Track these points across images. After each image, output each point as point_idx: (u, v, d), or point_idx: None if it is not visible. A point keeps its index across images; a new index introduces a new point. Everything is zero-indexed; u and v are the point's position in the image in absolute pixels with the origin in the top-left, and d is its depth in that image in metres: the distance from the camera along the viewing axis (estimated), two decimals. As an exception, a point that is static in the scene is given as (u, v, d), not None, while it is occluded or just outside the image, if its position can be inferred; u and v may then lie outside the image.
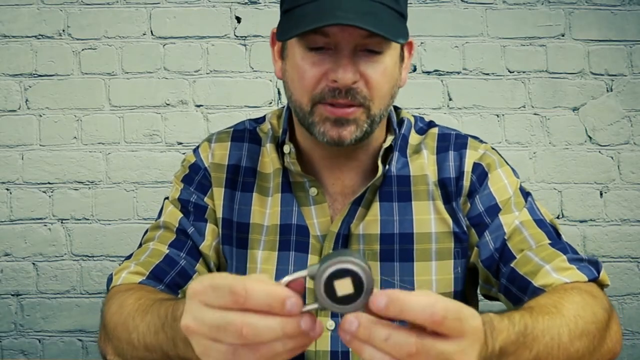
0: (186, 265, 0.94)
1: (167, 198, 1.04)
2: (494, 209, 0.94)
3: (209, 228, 0.99)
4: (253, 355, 0.51)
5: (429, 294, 0.51)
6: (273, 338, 0.50)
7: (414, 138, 1.02)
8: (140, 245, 0.99)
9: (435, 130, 1.03)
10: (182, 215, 0.98)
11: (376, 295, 0.50)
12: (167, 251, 0.95)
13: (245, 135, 1.04)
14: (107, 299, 0.87)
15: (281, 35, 0.89)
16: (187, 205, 0.99)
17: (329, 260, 0.51)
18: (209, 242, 0.98)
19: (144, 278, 0.90)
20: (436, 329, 0.50)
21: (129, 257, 0.96)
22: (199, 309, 0.52)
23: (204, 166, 1.02)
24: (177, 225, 0.98)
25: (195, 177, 1.02)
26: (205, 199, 1.00)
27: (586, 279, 0.84)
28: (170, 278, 0.92)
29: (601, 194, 1.88)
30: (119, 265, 0.95)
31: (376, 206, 0.96)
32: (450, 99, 1.88)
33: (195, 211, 0.99)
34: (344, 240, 0.95)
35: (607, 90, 1.88)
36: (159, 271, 0.92)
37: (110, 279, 0.92)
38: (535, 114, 1.88)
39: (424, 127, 1.04)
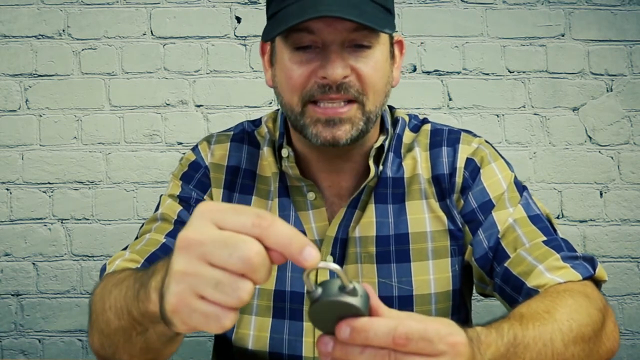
0: None
1: (163, 195, 1.02)
2: (487, 205, 0.93)
3: None
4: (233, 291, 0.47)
5: (397, 314, 0.51)
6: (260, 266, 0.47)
7: (407, 136, 1.01)
8: (137, 237, 0.97)
9: (428, 127, 1.02)
10: (181, 208, 0.97)
11: (340, 326, 0.49)
12: (164, 240, 0.93)
13: (245, 137, 1.04)
14: (96, 286, 0.83)
15: (266, 36, 0.88)
16: (188, 200, 0.98)
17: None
18: None
19: (139, 265, 0.87)
20: (404, 351, 0.50)
21: (124, 249, 0.94)
22: (206, 225, 0.48)
23: (204, 164, 1.01)
24: (175, 217, 0.96)
25: (195, 174, 1.01)
26: (205, 197, 0.99)
27: (580, 277, 0.83)
28: None
29: (601, 194, 1.87)
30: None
31: (371, 208, 0.95)
32: (450, 99, 1.88)
33: (196, 205, 0.97)
34: (341, 244, 0.94)
35: (607, 90, 1.88)
36: (155, 258, 0.89)
37: (103, 269, 0.90)
38: (535, 114, 1.88)
39: (418, 124, 1.03)
